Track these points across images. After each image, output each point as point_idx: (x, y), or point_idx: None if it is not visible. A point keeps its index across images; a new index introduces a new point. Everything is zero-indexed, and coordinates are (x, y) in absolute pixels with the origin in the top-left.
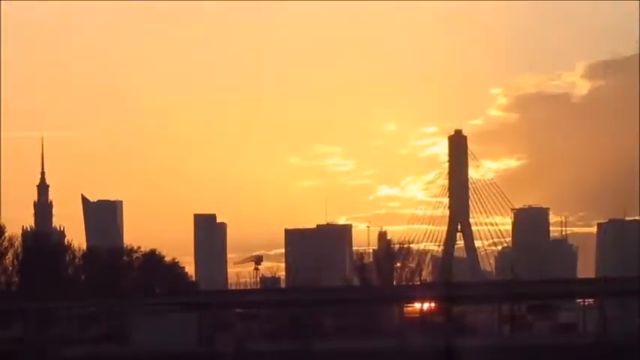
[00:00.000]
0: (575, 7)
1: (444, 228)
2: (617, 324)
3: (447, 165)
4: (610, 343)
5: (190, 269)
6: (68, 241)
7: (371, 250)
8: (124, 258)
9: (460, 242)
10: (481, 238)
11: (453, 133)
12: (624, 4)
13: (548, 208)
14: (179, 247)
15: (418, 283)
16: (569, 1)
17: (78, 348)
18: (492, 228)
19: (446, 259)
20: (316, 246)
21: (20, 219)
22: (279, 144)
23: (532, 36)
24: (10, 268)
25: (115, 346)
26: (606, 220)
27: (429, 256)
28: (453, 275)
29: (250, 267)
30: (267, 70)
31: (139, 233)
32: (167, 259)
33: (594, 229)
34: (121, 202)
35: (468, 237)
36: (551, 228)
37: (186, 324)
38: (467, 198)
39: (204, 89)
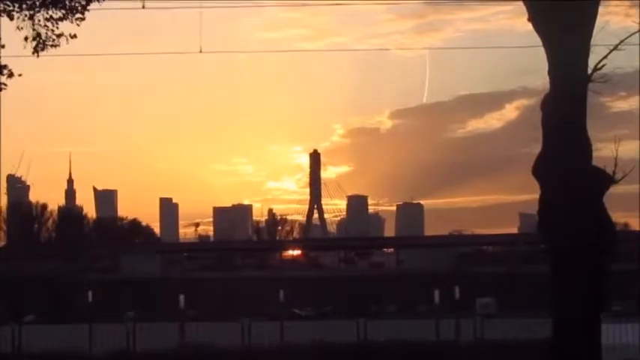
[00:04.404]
0: (382, 77)
1: (307, 206)
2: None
3: (308, 169)
4: (404, 273)
5: (157, 230)
6: (85, 214)
7: (264, 220)
8: (118, 223)
9: (316, 215)
10: (328, 213)
11: (312, 151)
12: (414, 75)
13: (367, 195)
14: (150, 217)
15: (291, 239)
16: (376, 75)
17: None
18: (334, 207)
19: (307, 225)
20: (231, 217)
21: (56, 200)
22: (210, 155)
23: (358, 93)
24: (51, 229)
25: (111, 274)
26: (401, 202)
27: (297, 223)
28: (311, 234)
29: (192, 229)
30: (198, 110)
31: (127, 209)
32: (143, 223)
33: (394, 208)
34: (116, 190)
35: (320, 212)
36: (369, 207)
37: (154, 262)
38: (320, 189)
39: (171, 121)
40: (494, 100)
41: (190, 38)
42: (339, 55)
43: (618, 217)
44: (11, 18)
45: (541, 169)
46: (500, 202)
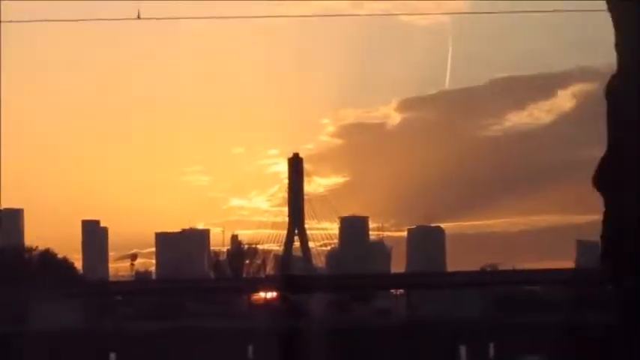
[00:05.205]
0: (387, 53)
1: (284, 232)
2: (423, 308)
3: (286, 181)
4: (419, 323)
5: (78, 265)
6: None
7: (225, 250)
8: (25, 255)
9: (297, 243)
10: (314, 240)
11: (291, 155)
12: (431, 51)
13: (367, 216)
14: (69, 247)
15: (263, 276)
16: (379, 51)
17: None
18: (323, 232)
19: (285, 257)
20: (181, 246)
21: None
22: (147, 160)
23: (354, 76)
24: None
25: (16, 326)
26: (414, 226)
27: (272, 254)
28: (291, 270)
29: (127, 263)
30: (135, 99)
31: (37, 236)
32: (59, 256)
33: (405, 233)
34: (22, 209)
35: (304, 239)
36: (370, 232)
37: (75, 308)
38: (302, 208)
39: (81, 117)
40: (542, 86)
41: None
42: (329, 23)
43: None
44: None
45: (606, 179)
46: (552, 225)
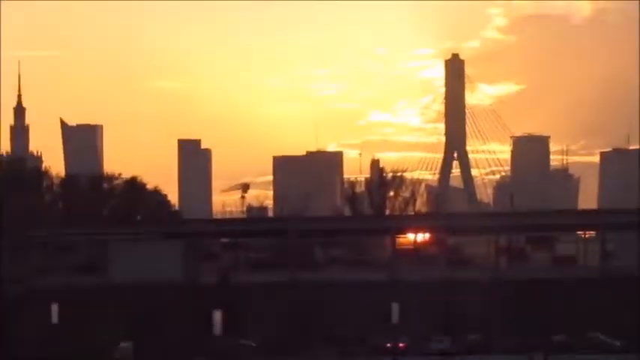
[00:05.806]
0: None
1: (440, 156)
2: (618, 257)
3: (442, 89)
4: (610, 276)
5: (173, 198)
6: (46, 167)
7: (363, 179)
8: (104, 185)
9: (456, 171)
10: (478, 167)
11: (449, 56)
12: None
13: (548, 136)
14: (162, 174)
15: (412, 213)
16: None
17: (55, 278)
18: (490, 156)
19: (441, 188)
20: (306, 174)
21: None
22: (260, 66)
23: None
24: None
25: (94, 276)
26: (609, 149)
27: (423, 185)
28: (449, 205)
29: (237, 195)
30: None
31: (119, 159)
32: (149, 186)
33: (597, 159)
34: (101, 126)
35: (465, 165)
36: (551, 157)
37: (169, 254)
38: (464, 124)
39: (185, 14)
40: None
41: None
42: None
43: None
44: None
45: None
46: None
